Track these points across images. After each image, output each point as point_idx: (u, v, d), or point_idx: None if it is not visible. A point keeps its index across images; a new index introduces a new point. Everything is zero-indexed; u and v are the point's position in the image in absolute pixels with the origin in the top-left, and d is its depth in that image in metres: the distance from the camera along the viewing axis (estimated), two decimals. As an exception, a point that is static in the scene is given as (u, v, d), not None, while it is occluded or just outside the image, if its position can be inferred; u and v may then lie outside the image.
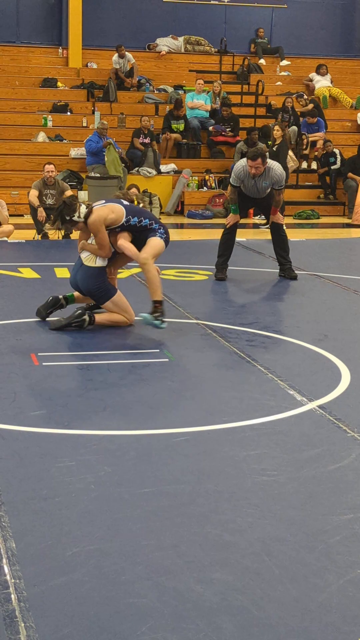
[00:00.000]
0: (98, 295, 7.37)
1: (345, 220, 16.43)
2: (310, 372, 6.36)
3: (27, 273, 9.89)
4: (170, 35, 20.39)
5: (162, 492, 4.26)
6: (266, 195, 9.54)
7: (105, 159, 15.67)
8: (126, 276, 9.32)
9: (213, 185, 16.78)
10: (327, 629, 3.18)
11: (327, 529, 3.92)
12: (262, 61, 20.71)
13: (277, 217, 9.77)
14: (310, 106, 18.58)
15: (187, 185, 16.53)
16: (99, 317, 7.39)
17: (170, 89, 18.88)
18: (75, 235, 7.58)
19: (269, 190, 9.47)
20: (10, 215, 13.10)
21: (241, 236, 11.18)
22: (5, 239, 12.42)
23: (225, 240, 9.77)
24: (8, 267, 10.23)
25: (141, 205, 7.67)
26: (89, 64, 19.51)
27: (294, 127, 17.80)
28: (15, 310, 8.04)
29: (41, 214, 12.42)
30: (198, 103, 18.10)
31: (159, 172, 16.63)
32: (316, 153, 17.86)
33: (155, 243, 7.37)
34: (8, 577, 3.44)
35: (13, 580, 3.42)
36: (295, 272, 9.88)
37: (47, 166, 12.75)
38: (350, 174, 16.88)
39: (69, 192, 12.79)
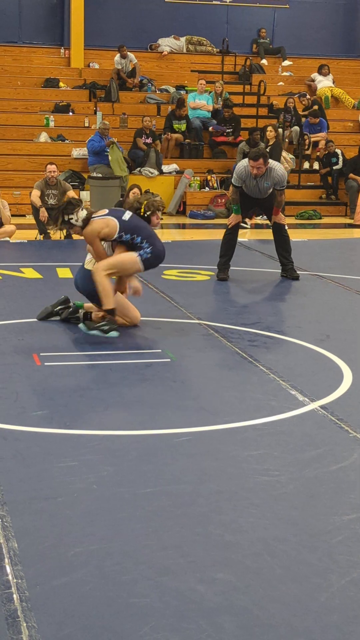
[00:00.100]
0: (97, 298, 7.37)
1: (347, 221, 16.43)
2: (312, 373, 6.36)
3: (29, 273, 9.89)
4: (172, 36, 20.39)
5: (164, 492, 4.26)
6: (268, 195, 9.54)
7: (109, 158, 15.69)
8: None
9: (215, 185, 16.77)
10: (329, 629, 3.18)
11: (329, 529, 3.92)
12: (264, 61, 20.70)
13: (279, 217, 9.77)
14: (315, 107, 18.57)
15: (189, 185, 16.53)
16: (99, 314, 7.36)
17: (172, 89, 18.88)
18: (77, 236, 7.55)
19: (271, 190, 9.47)
20: (12, 216, 13.10)
21: (243, 236, 11.17)
22: (8, 239, 12.42)
23: (227, 240, 9.77)
24: (10, 267, 10.24)
25: (148, 213, 7.57)
26: (91, 64, 19.51)
27: (296, 128, 17.80)
28: (18, 311, 8.04)
29: (43, 214, 12.42)
30: (200, 103, 18.10)
31: (161, 172, 16.63)
32: (318, 153, 17.85)
33: (122, 258, 7.19)
34: (10, 577, 3.45)
35: (15, 580, 3.42)
36: (297, 272, 9.87)
37: (49, 166, 12.75)
38: (351, 175, 16.87)
39: (71, 193, 12.80)
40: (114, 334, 7.03)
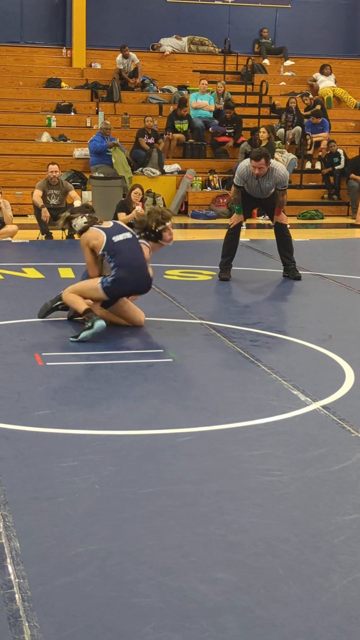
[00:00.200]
0: (104, 302, 7.40)
1: (349, 221, 16.43)
2: (314, 372, 6.36)
3: (31, 273, 9.90)
4: (174, 36, 20.39)
5: (166, 492, 4.26)
6: (270, 195, 9.55)
7: (113, 160, 15.70)
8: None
9: (217, 185, 16.77)
10: (331, 629, 3.17)
11: (331, 529, 3.92)
12: (266, 61, 20.71)
13: (281, 217, 9.77)
14: (317, 107, 18.56)
15: (191, 185, 16.53)
16: (101, 313, 7.36)
17: (174, 89, 18.89)
18: (79, 236, 7.56)
19: (273, 190, 9.48)
20: (14, 216, 13.10)
21: (245, 236, 11.18)
22: (9, 239, 12.43)
23: (229, 240, 9.77)
24: (12, 267, 10.24)
25: (159, 229, 7.56)
26: (92, 64, 19.52)
27: (298, 128, 17.80)
28: (19, 310, 8.04)
29: (45, 214, 12.43)
30: (202, 103, 18.10)
31: (163, 172, 16.63)
32: (320, 153, 17.85)
33: (85, 284, 7.25)
34: (12, 577, 3.45)
35: (17, 580, 3.42)
36: (299, 272, 9.87)
37: (50, 166, 12.75)
38: (353, 175, 16.87)
39: (73, 193, 12.82)
40: (99, 324, 6.87)
